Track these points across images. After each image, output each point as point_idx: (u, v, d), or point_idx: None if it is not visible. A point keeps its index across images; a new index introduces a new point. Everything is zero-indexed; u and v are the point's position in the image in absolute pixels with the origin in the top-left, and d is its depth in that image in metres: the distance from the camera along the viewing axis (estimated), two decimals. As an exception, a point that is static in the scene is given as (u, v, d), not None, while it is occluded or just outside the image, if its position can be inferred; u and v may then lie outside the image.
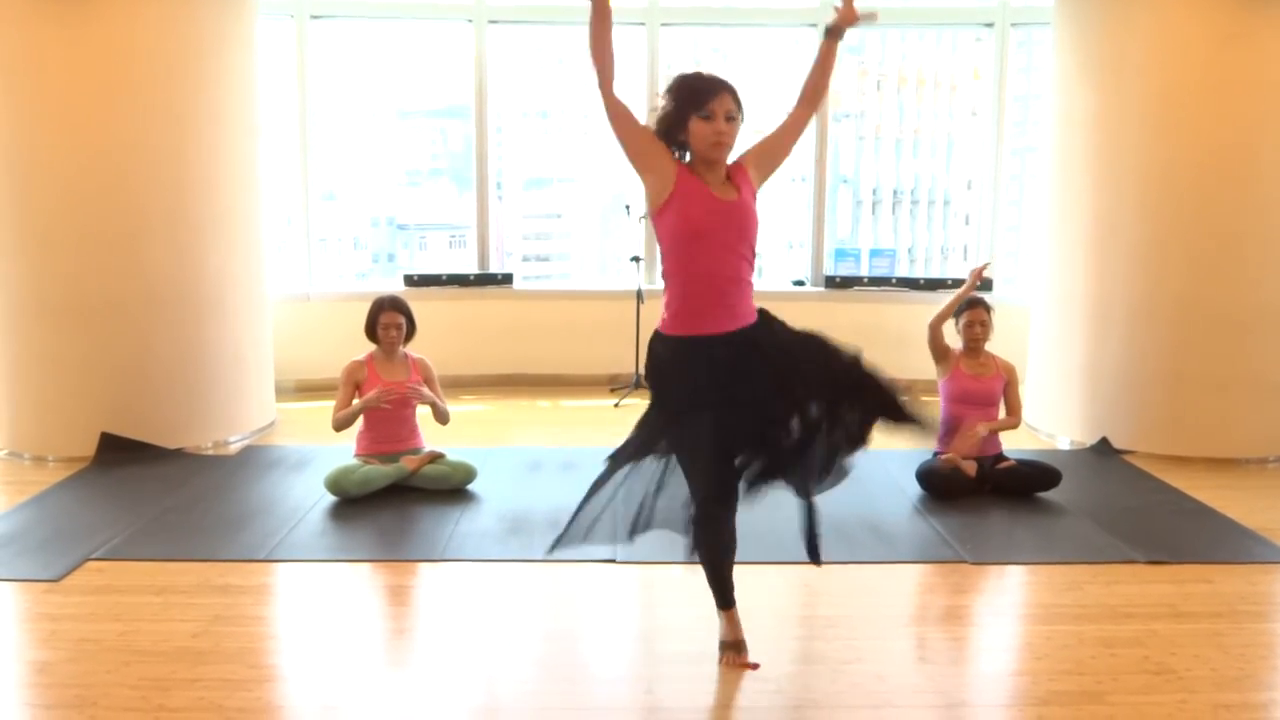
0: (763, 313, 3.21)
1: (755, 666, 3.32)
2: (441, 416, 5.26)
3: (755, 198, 3.18)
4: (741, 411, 3.07)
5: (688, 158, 3.14)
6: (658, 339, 3.18)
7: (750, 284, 3.15)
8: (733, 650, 3.35)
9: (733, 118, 3.06)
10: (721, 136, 3.05)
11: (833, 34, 3.31)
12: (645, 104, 7.62)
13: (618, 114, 3.13)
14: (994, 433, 5.23)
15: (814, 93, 3.35)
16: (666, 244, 3.13)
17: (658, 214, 3.12)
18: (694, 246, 3.06)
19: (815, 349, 3.16)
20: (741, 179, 3.15)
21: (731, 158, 3.18)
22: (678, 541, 3.35)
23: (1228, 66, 5.60)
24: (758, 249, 3.18)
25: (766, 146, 3.28)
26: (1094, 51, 6.02)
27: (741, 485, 3.20)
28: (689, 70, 3.17)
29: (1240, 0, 5.54)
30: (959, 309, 5.26)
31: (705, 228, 3.05)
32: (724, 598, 3.36)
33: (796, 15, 7.80)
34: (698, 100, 3.05)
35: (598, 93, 3.12)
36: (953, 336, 5.33)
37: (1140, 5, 5.79)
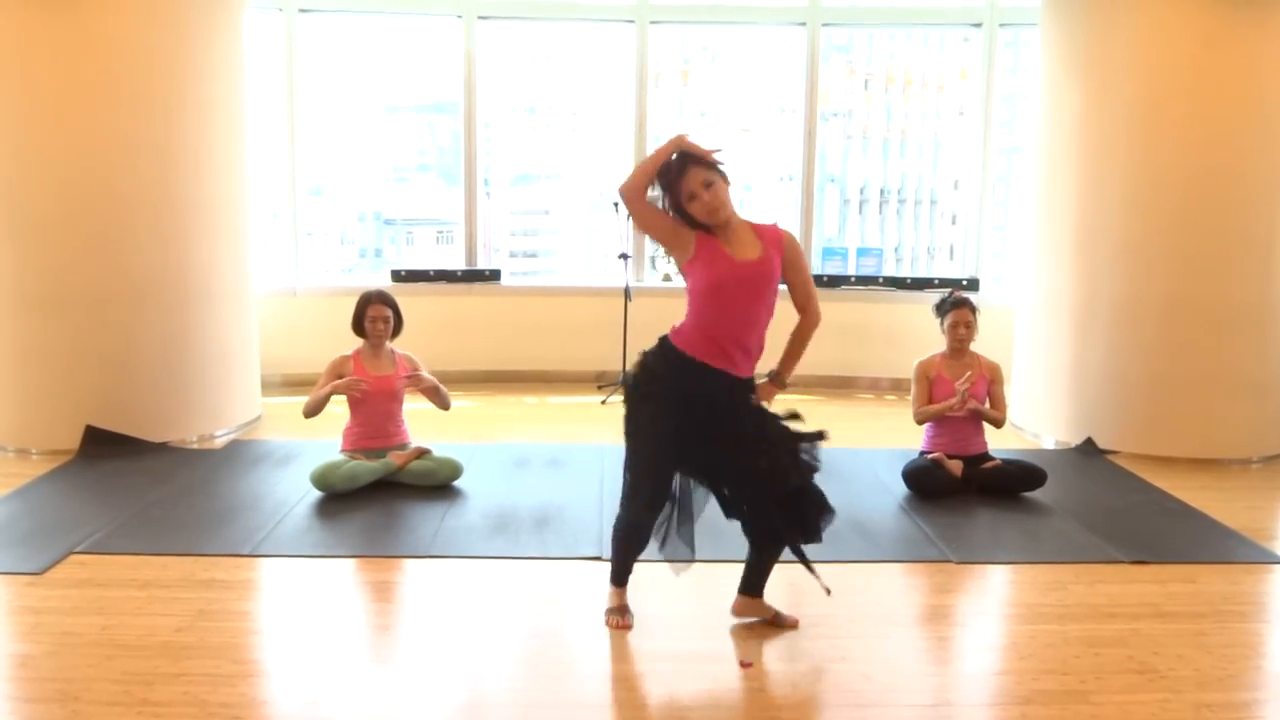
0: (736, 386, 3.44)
1: (749, 664, 3.34)
2: (443, 402, 5.28)
3: (778, 265, 3.44)
4: (699, 442, 3.39)
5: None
6: (667, 344, 3.44)
7: (756, 348, 3.44)
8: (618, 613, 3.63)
9: (710, 183, 3.31)
10: (709, 206, 3.32)
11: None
12: (635, 103, 7.67)
13: (641, 215, 3.41)
14: (979, 420, 5.24)
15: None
16: (690, 292, 3.42)
17: (684, 270, 3.44)
18: (711, 300, 3.36)
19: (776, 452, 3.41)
20: (772, 244, 3.44)
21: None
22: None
23: (1212, 68, 5.63)
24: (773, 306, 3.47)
25: (792, 267, 3.53)
26: (1081, 52, 6.05)
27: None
28: (663, 165, 3.35)
29: (1225, 2, 5.57)
30: (944, 309, 5.26)
31: (722, 285, 3.34)
32: (623, 578, 3.68)
33: (785, 14, 7.80)
34: (676, 192, 3.33)
35: (624, 198, 3.38)
36: (937, 338, 5.33)
37: (1126, 7, 5.81)
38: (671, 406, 3.37)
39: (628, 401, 3.49)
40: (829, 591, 3.57)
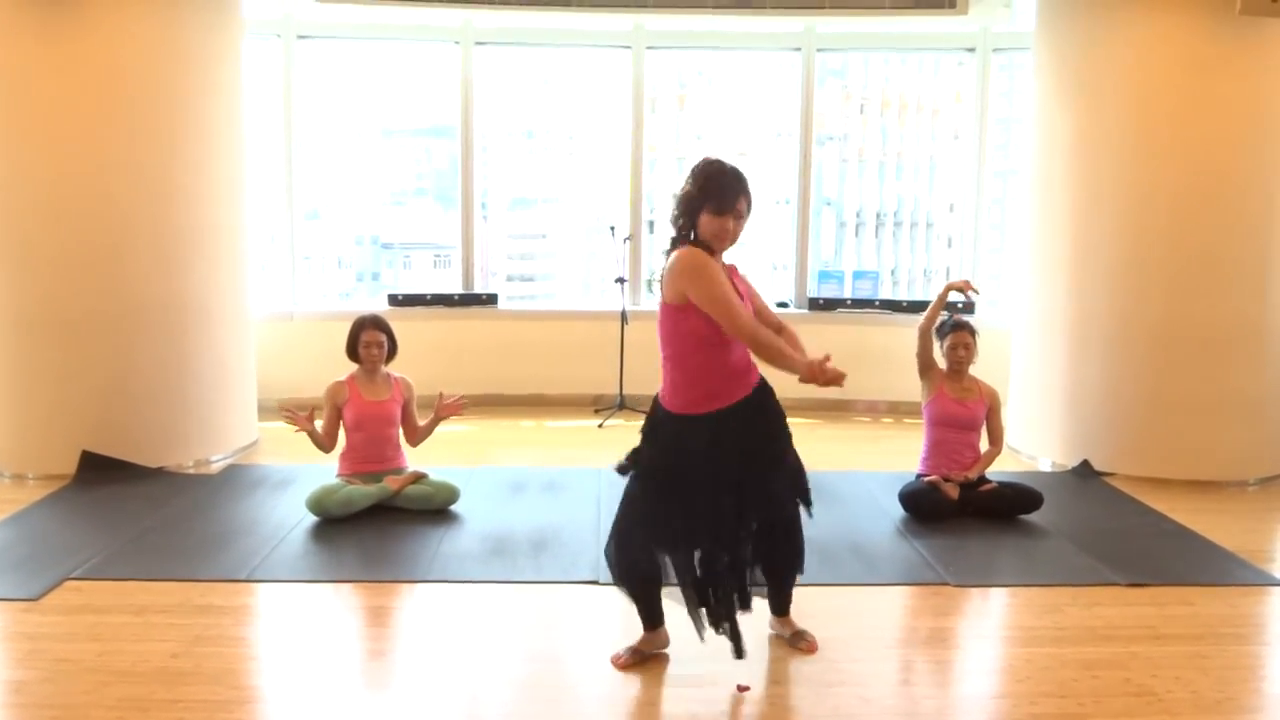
0: (761, 388, 3.43)
1: (746, 688, 3.33)
2: (417, 441, 5.34)
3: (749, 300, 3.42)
4: (720, 482, 3.31)
5: (692, 236, 3.30)
6: (669, 418, 3.35)
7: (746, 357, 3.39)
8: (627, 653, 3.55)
9: (741, 216, 3.28)
10: (728, 233, 3.27)
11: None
12: (631, 127, 7.71)
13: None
14: (976, 443, 5.26)
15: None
16: (691, 343, 3.27)
17: (680, 309, 3.25)
18: (717, 344, 3.26)
19: (772, 475, 3.41)
20: (739, 281, 3.41)
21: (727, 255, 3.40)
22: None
23: (1203, 91, 5.67)
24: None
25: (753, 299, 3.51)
26: (1073, 76, 6.09)
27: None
28: (715, 162, 3.30)
29: (1214, 26, 5.61)
30: (943, 331, 5.27)
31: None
32: (646, 620, 3.57)
33: (781, 39, 7.84)
34: (717, 201, 3.23)
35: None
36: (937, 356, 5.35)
37: (1118, 31, 5.86)
38: (694, 462, 3.30)
39: (643, 467, 3.41)
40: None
